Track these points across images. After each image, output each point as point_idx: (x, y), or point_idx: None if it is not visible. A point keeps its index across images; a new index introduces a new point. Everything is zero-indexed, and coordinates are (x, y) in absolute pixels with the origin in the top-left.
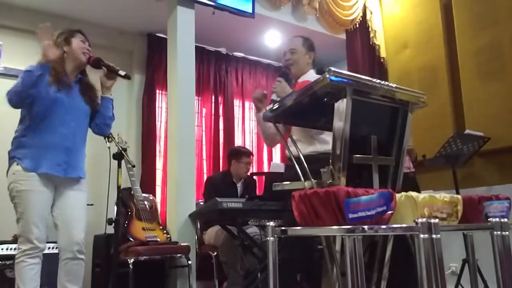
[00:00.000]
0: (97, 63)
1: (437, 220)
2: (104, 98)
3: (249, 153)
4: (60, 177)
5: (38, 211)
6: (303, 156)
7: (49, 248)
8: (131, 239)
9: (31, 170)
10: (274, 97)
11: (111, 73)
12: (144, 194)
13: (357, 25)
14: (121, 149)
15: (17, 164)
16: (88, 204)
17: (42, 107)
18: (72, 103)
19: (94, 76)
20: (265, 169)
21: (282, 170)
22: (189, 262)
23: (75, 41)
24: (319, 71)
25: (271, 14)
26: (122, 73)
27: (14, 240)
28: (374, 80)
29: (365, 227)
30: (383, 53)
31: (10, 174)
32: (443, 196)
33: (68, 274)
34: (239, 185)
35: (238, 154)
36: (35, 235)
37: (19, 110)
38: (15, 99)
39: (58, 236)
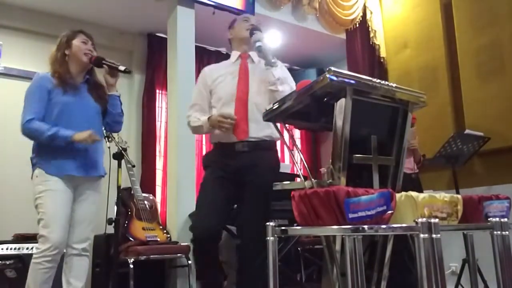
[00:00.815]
0: (98, 62)
1: (437, 220)
2: (110, 96)
3: None
4: (83, 177)
5: (60, 210)
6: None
7: None
8: (131, 239)
9: (54, 174)
10: (259, 44)
11: (113, 70)
12: (144, 194)
13: (357, 25)
14: (121, 149)
15: (39, 169)
16: None
17: (53, 112)
18: (81, 104)
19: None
20: None
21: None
22: (189, 262)
23: (76, 42)
24: (319, 71)
25: (271, 14)
26: (122, 68)
27: (14, 240)
28: (374, 80)
29: (365, 227)
30: (383, 53)
31: (34, 178)
32: (443, 196)
33: (73, 270)
34: None
35: None
36: (56, 234)
37: (18, 110)
38: (27, 136)
39: (69, 233)
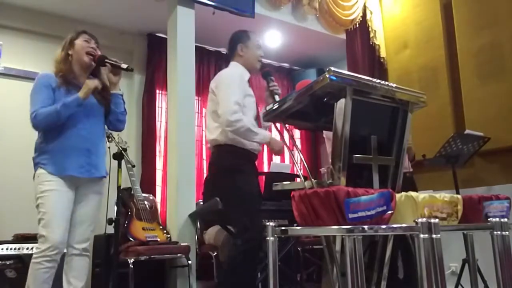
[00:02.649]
0: (101, 61)
1: (437, 220)
2: (113, 94)
3: None
4: (85, 178)
5: (60, 210)
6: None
7: None
8: (131, 239)
9: (55, 174)
10: (277, 97)
11: (115, 69)
12: (144, 194)
13: (357, 25)
14: (121, 149)
15: (41, 169)
16: None
17: None
18: (85, 104)
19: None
20: (265, 169)
21: (282, 170)
22: (189, 262)
23: (78, 42)
24: (319, 71)
25: (271, 14)
26: (124, 66)
27: (14, 240)
28: (374, 80)
29: (365, 227)
30: (383, 53)
31: (36, 177)
32: (443, 196)
33: (74, 270)
34: None
35: None
36: (56, 234)
37: (19, 110)
38: (44, 126)
39: (70, 233)
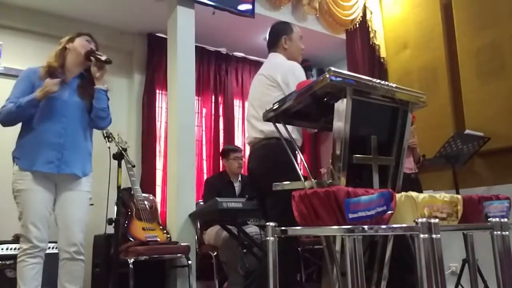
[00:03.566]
0: (88, 55)
1: (437, 220)
2: (95, 89)
3: (235, 149)
4: (55, 174)
5: (36, 210)
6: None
7: (49, 248)
8: (131, 239)
9: (26, 169)
10: None
11: (99, 63)
12: (144, 194)
13: (357, 25)
14: (121, 149)
15: (16, 164)
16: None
17: None
18: (64, 98)
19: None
20: None
21: None
22: (189, 262)
23: (79, 40)
24: (319, 71)
25: (271, 14)
26: (103, 58)
27: (14, 240)
28: (374, 80)
29: (365, 227)
30: (383, 53)
31: (12, 174)
32: (443, 196)
33: (66, 274)
34: (236, 184)
35: (226, 152)
36: (33, 234)
37: None
38: (6, 122)
39: (58, 236)
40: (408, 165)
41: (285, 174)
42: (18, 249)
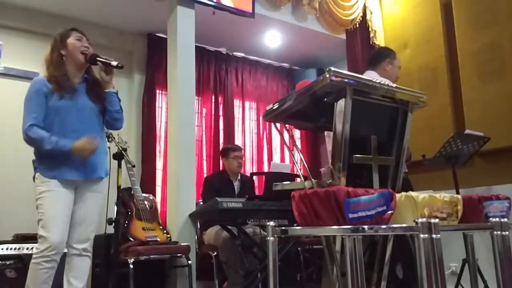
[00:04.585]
0: (93, 60)
1: (437, 220)
2: (107, 93)
3: (235, 148)
4: (82, 180)
5: (58, 211)
6: None
7: None
8: (131, 239)
9: (51, 178)
10: None
11: (107, 67)
12: (144, 194)
13: (357, 25)
14: (121, 149)
15: (39, 173)
16: None
17: (50, 117)
18: (78, 105)
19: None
20: (265, 169)
21: (282, 170)
22: (189, 262)
23: (71, 40)
24: (319, 71)
25: (271, 14)
26: (115, 63)
27: (14, 240)
28: (374, 80)
29: (365, 227)
30: None
31: (35, 179)
32: (443, 196)
33: (73, 270)
34: (235, 183)
35: (226, 151)
36: (54, 234)
37: (18, 110)
38: (30, 144)
39: (69, 232)
40: None
41: None
42: (19, 249)
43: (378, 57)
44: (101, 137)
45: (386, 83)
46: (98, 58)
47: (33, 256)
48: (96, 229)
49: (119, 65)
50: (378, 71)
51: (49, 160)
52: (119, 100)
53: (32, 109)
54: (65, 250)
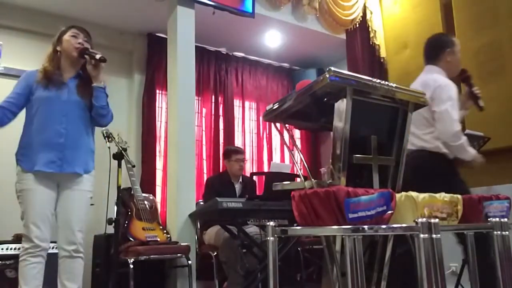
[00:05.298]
0: (81, 54)
1: (437, 220)
2: (94, 87)
3: (238, 150)
4: (57, 173)
5: (38, 209)
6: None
7: (50, 248)
8: (131, 239)
9: (27, 170)
10: None
11: (94, 61)
12: (144, 194)
13: (357, 25)
14: (121, 149)
15: (18, 165)
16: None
17: (32, 107)
18: (63, 98)
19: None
20: (265, 169)
21: (282, 170)
22: (189, 262)
23: (66, 37)
24: (319, 71)
25: (271, 14)
26: (98, 56)
27: (14, 240)
28: (374, 80)
29: (365, 227)
30: (383, 53)
31: (16, 175)
32: (443, 196)
33: (66, 272)
34: (237, 185)
35: (228, 153)
36: (34, 233)
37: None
38: None
39: (57, 234)
40: None
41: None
42: (19, 249)
43: (437, 48)
44: (86, 133)
45: (442, 77)
46: (86, 52)
47: (20, 254)
48: (84, 229)
49: (102, 58)
50: (440, 64)
51: (27, 149)
52: (107, 95)
53: (11, 94)
54: (57, 251)
